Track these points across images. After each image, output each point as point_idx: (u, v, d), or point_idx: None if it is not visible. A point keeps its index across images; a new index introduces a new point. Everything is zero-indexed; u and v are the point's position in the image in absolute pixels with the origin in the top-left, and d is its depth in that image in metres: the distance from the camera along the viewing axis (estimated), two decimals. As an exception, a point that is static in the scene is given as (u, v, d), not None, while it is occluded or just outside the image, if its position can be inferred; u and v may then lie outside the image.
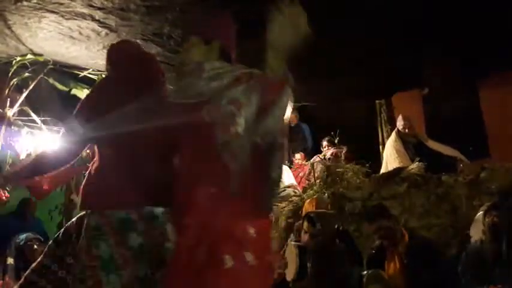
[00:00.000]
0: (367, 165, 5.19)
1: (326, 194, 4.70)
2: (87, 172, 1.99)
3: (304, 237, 3.23)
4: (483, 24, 4.50)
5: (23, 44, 4.25)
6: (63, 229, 2.84)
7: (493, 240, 2.67)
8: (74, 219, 2.83)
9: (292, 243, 3.50)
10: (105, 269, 1.79)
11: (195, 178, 1.64)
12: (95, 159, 1.99)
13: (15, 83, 4.42)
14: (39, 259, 2.87)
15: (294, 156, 6.66)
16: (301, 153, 6.64)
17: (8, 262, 3.72)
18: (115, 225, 1.83)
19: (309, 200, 4.09)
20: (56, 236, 2.89)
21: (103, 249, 1.80)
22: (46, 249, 2.89)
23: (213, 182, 1.63)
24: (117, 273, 1.78)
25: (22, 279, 2.83)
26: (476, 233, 2.92)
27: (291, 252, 3.29)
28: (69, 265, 2.83)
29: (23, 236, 3.78)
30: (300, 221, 3.76)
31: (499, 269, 2.55)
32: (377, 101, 6.92)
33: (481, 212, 2.96)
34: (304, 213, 3.81)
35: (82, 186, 1.99)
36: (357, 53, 4.97)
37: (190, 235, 1.59)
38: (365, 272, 2.99)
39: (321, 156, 6.14)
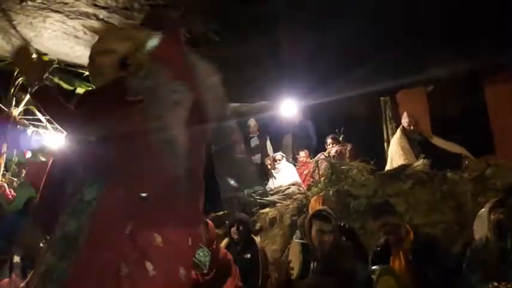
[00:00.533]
0: (372, 162, 5.19)
1: (331, 192, 4.70)
2: None
3: (319, 235, 3.18)
4: (489, 20, 4.48)
5: (28, 44, 4.28)
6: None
7: (499, 237, 2.66)
8: None
9: (296, 240, 3.50)
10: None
11: (114, 177, 1.56)
12: None
13: (20, 82, 4.45)
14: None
15: (298, 154, 6.66)
16: (306, 150, 6.64)
17: (15, 260, 3.74)
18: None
19: (315, 198, 4.10)
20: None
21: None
22: None
23: (128, 184, 1.54)
24: None
25: (30, 277, 2.86)
26: (481, 229, 2.91)
27: (295, 250, 3.30)
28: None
29: (29, 234, 3.80)
30: (305, 218, 3.77)
31: (504, 266, 2.54)
32: (382, 98, 6.90)
33: (485, 209, 2.95)
34: (310, 210, 3.81)
35: None
36: (362, 49, 4.96)
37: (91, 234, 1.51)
38: (375, 267, 2.98)
39: (325, 153, 6.14)
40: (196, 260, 1.70)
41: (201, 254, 1.71)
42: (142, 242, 1.50)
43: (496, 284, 2.35)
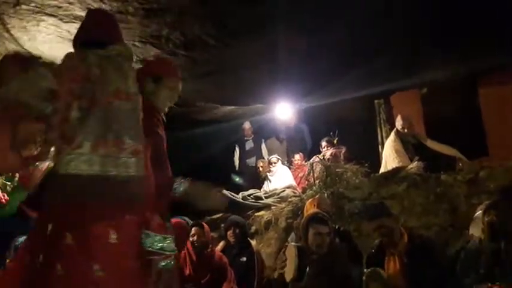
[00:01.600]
0: (366, 165, 5.21)
1: (326, 194, 4.71)
2: None
3: (316, 238, 3.19)
4: (482, 22, 4.51)
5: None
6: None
7: (492, 239, 2.67)
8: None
9: (292, 243, 3.51)
10: None
11: None
12: None
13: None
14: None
15: (293, 157, 6.67)
16: (301, 153, 6.65)
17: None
18: None
19: (310, 200, 4.10)
20: None
21: None
22: None
23: None
24: None
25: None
26: (476, 231, 2.92)
27: (290, 253, 3.30)
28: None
29: (22, 239, 3.78)
30: (300, 221, 3.77)
31: (498, 267, 2.55)
32: (376, 101, 6.93)
33: (480, 211, 2.97)
34: (305, 213, 3.82)
35: None
36: (356, 53, 4.98)
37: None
38: (365, 270, 3.00)
39: (320, 156, 6.15)
40: (153, 249, 1.70)
41: (155, 242, 1.71)
42: (91, 242, 1.56)
43: (490, 285, 2.36)
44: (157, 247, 1.70)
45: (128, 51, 1.86)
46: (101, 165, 1.64)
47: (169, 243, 1.76)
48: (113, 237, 1.60)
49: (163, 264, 1.82)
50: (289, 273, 3.13)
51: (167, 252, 1.76)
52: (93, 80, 1.67)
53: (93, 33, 1.87)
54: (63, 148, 1.61)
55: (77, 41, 1.91)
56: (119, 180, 1.66)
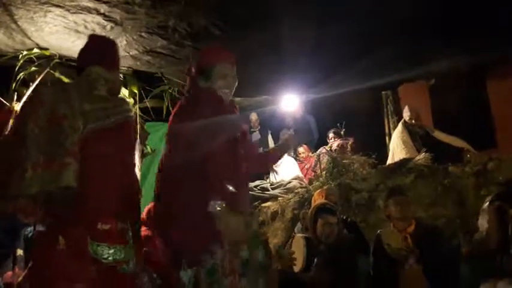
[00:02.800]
0: (374, 156, 5.19)
1: (332, 185, 4.71)
2: None
3: (325, 228, 3.22)
4: (491, 13, 4.45)
5: (29, 38, 4.26)
6: None
7: (498, 229, 2.67)
8: None
9: (299, 235, 3.52)
10: None
11: None
12: None
13: (21, 77, 4.44)
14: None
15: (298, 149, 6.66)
16: (305, 145, 6.63)
17: (18, 254, 3.77)
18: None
19: (318, 191, 4.09)
20: None
21: None
22: None
23: None
24: None
25: (27, 270, 2.89)
26: (483, 223, 2.91)
27: (298, 244, 3.31)
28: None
29: (31, 228, 3.83)
30: (306, 211, 3.78)
31: (505, 258, 2.54)
32: (383, 92, 6.89)
33: (487, 202, 2.96)
34: (313, 203, 3.82)
35: None
36: (363, 43, 4.94)
37: None
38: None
39: (327, 147, 6.14)
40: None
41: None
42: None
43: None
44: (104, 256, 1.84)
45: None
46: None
47: (115, 252, 1.86)
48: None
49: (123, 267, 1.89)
50: (297, 264, 3.14)
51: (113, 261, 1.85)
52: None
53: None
54: None
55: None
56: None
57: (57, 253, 1.76)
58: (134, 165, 2.13)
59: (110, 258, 1.82)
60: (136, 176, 2.14)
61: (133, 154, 2.13)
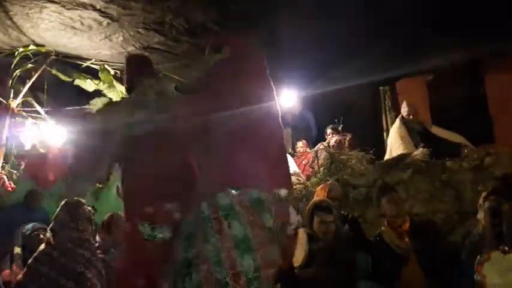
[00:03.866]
0: (371, 152, 5.19)
1: (333, 181, 4.70)
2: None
3: (321, 226, 3.21)
4: (488, 8, 4.45)
5: (25, 35, 4.23)
6: (53, 218, 2.91)
7: (493, 225, 2.67)
8: (62, 207, 2.92)
9: (301, 229, 3.50)
10: (239, 248, 1.80)
11: None
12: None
13: (18, 74, 4.42)
14: (40, 247, 2.93)
15: (296, 144, 6.65)
16: (304, 140, 6.62)
17: (16, 251, 3.76)
18: (249, 204, 1.89)
19: (321, 186, 4.08)
20: (51, 225, 2.97)
21: (237, 228, 1.83)
22: (46, 238, 2.96)
23: None
24: (252, 254, 1.80)
25: (26, 268, 2.89)
26: (481, 218, 2.92)
27: (301, 239, 3.30)
28: (71, 251, 2.89)
29: (29, 226, 3.81)
30: (306, 204, 3.78)
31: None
32: (381, 88, 6.88)
33: (483, 198, 2.96)
34: (315, 197, 3.82)
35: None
36: (361, 39, 4.93)
37: None
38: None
39: (325, 143, 6.13)
40: None
41: None
42: None
43: (506, 248, 2.35)
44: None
45: None
46: None
47: None
48: None
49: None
50: (298, 259, 3.14)
51: None
52: None
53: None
54: None
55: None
56: None
57: None
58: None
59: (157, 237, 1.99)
60: None
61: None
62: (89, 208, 3.14)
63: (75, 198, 3.06)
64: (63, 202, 3.10)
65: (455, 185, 4.31)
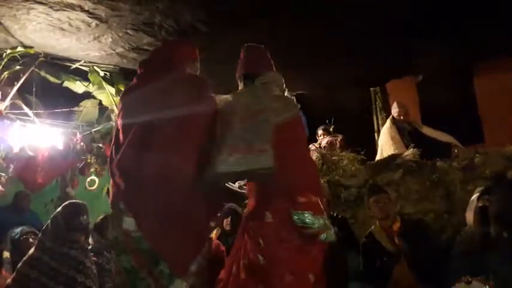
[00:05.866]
0: (363, 152, 5.20)
1: (321, 182, 4.70)
2: None
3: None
4: (476, 9, 4.48)
5: (13, 37, 4.20)
6: (49, 221, 2.87)
7: (483, 225, 2.68)
8: (60, 213, 2.88)
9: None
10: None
11: None
12: None
13: (6, 76, 4.38)
14: (30, 252, 2.89)
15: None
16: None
17: (4, 256, 3.71)
18: None
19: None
20: (44, 228, 2.92)
21: None
22: (36, 241, 2.92)
23: None
24: None
25: (15, 272, 2.85)
26: (470, 217, 2.92)
27: None
28: (62, 255, 2.85)
29: (18, 230, 3.77)
30: None
31: (490, 254, 2.54)
32: (372, 89, 6.91)
33: (474, 197, 2.97)
34: None
35: None
36: (350, 40, 4.94)
37: None
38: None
39: (316, 144, 6.13)
40: None
41: None
42: None
43: (469, 278, 2.37)
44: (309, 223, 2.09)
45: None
46: None
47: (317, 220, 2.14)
48: None
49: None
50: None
51: None
52: None
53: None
54: None
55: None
56: None
57: (266, 225, 2.03)
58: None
59: (315, 225, 2.02)
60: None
61: (306, 140, 2.54)
62: (85, 217, 3.08)
63: (75, 205, 3.03)
64: (61, 207, 3.06)
65: (446, 184, 4.32)
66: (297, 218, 2.01)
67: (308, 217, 2.03)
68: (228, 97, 2.30)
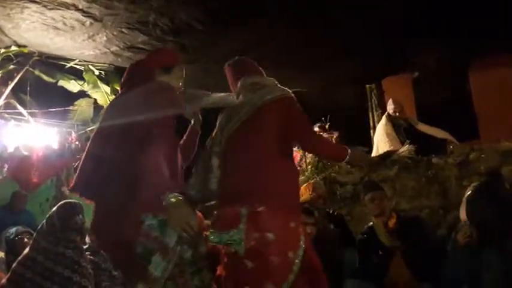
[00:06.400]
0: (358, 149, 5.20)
1: (317, 179, 4.71)
2: None
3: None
4: (473, 6, 4.49)
5: (6, 36, 4.18)
6: (44, 221, 2.85)
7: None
8: (56, 212, 2.85)
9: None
10: None
11: None
12: None
13: (0, 75, 4.36)
14: (25, 252, 2.87)
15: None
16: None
17: (-1, 256, 3.69)
18: None
19: (305, 185, 4.08)
20: (39, 227, 2.90)
21: None
22: (31, 241, 2.90)
23: None
24: None
25: (10, 272, 2.84)
26: (463, 214, 2.94)
27: None
28: (58, 254, 2.83)
29: (13, 230, 3.74)
30: None
31: (485, 249, 2.55)
32: (367, 86, 6.91)
33: (468, 193, 2.98)
34: (300, 197, 3.81)
35: None
36: (349, 40, 4.95)
37: None
38: None
39: (312, 142, 6.13)
40: None
41: None
42: None
43: None
44: None
45: None
46: None
47: None
48: None
49: None
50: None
51: None
52: None
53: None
54: None
55: None
56: None
57: None
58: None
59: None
60: None
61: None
62: (81, 217, 3.05)
63: (70, 205, 2.99)
64: (57, 206, 3.04)
65: (441, 180, 4.34)
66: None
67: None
68: (224, 95, 2.29)
